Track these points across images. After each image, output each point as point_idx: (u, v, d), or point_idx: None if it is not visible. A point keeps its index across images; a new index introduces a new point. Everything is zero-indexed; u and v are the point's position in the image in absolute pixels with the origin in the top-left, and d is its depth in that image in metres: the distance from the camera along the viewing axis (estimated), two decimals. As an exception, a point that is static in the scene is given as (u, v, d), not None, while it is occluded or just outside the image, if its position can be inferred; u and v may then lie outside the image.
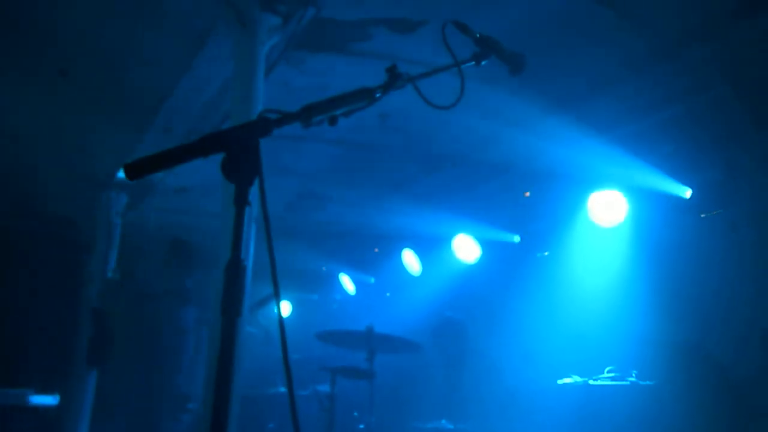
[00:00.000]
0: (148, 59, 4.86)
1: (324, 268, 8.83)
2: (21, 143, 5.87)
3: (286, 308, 6.66)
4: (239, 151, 1.45)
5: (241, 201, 1.45)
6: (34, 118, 5.55)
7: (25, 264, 6.66)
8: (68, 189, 6.84)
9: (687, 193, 4.74)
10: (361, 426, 4.94)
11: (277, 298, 1.46)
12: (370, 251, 8.70)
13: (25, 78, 5.08)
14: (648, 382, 4.34)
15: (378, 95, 1.79)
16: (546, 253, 6.32)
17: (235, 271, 1.41)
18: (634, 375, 4.43)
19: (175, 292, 4.20)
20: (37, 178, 6.46)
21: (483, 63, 2.04)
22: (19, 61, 4.90)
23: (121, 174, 7.29)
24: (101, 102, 5.37)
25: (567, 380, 4.66)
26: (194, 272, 4.32)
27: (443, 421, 4.92)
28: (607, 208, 5.31)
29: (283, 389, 6.05)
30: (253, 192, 1.49)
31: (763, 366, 4.06)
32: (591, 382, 4.50)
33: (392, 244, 7.99)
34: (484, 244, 6.75)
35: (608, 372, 4.54)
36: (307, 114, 1.66)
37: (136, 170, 1.38)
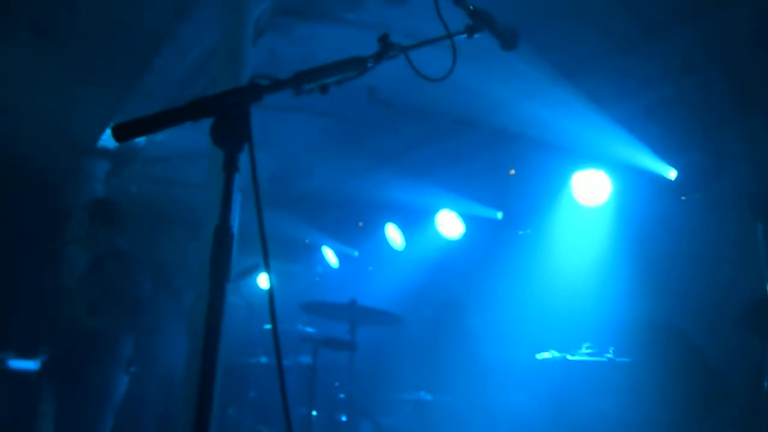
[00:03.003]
0: (131, 23, 4.76)
1: (307, 240, 8.81)
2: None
3: (267, 280, 6.66)
4: (229, 116, 1.43)
5: (230, 167, 1.44)
6: (14, 83, 5.42)
7: (6, 227, 6.58)
8: (49, 154, 6.73)
9: (672, 174, 4.78)
10: (342, 396, 5.00)
11: (266, 265, 1.45)
12: (353, 225, 8.71)
13: (3, 41, 4.96)
14: (625, 359, 4.42)
15: (370, 65, 1.77)
16: (528, 231, 6.37)
17: (223, 237, 1.41)
18: (611, 352, 4.51)
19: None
20: (18, 143, 6.34)
21: (475, 36, 2.03)
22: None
23: (102, 141, 7.19)
24: (83, 66, 5.27)
25: (545, 355, 4.73)
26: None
27: (422, 393, 4.99)
28: (591, 188, 5.35)
29: (264, 359, 6.08)
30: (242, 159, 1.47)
31: (735, 348, 4.15)
32: (569, 357, 4.58)
33: (376, 217, 8.00)
34: (468, 220, 6.77)
35: (586, 348, 4.62)
36: (298, 81, 1.65)
37: (124, 132, 1.36)
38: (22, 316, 5.73)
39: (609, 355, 4.49)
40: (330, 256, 8.72)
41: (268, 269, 1.44)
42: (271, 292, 1.48)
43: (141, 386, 4.66)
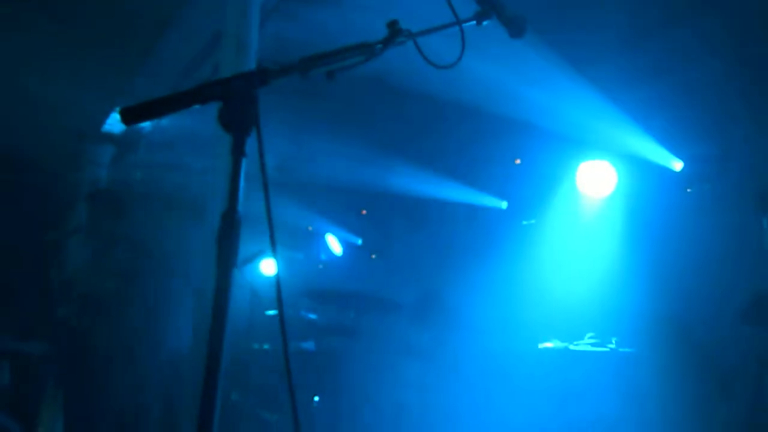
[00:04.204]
0: (136, 7, 4.74)
1: (310, 227, 8.81)
2: (1, 91, 5.74)
3: (271, 267, 6.66)
4: (237, 100, 1.42)
5: (238, 151, 1.43)
6: (18, 69, 5.41)
7: (10, 214, 6.59)
8: (53, 140, 6.73)
9: (678, 165, 4.76)
10: (344, 382, 5.02)
11: (274, 252, 1.45)
12: (357, 212, 8.70)
13: (8, 24, 4.94)
14: (627, 350, 4.43)
15: (378, 50, 1.76)
16: (533, 221, 6.36)
17: (230, 223, 1.40)
18: (614, 342, 4.52)
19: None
20: (21, 128, 6.33)
21: (484, 23, 2.01)
22: (2, 6, 4.76)
23: (107, 126, 7.18)
24: (88, 52, 5.25)
25: (548, 344, 4.74)
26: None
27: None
28: (596, 179, 5.33)
29: (267, 345, 6.10)
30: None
31: (735, 341, 4.15)
32: (571, 347, 4.58)
33: (380, 205, 7.99)
34: (472, 208, 6.76)
35: (589, 338, 4.63)
36: (305, 66, 1.63)
37: (131, 115, 1.35)
38: (23, 305, 5.75)
39: (612, 345, 4.50)
40: (333, 243, 8.69)
41: (275, 255, 1.44)
42: (278, 279, 1.48)
43: (143, 371, 4.69)
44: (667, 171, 4.83)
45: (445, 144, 6.96)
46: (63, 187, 7.14)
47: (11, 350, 4.86)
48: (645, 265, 4.89)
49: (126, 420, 4.49)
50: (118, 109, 6.03)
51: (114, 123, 7.10)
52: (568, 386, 4.40)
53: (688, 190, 4.81)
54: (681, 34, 4.47)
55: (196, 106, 1.45)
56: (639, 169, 4.99)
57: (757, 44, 4.26)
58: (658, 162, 4.81)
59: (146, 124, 6.89)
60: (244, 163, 1.46)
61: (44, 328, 4.79)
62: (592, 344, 4.54)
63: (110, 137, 7.40)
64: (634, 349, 4.39)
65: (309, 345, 5.08)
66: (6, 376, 4.85)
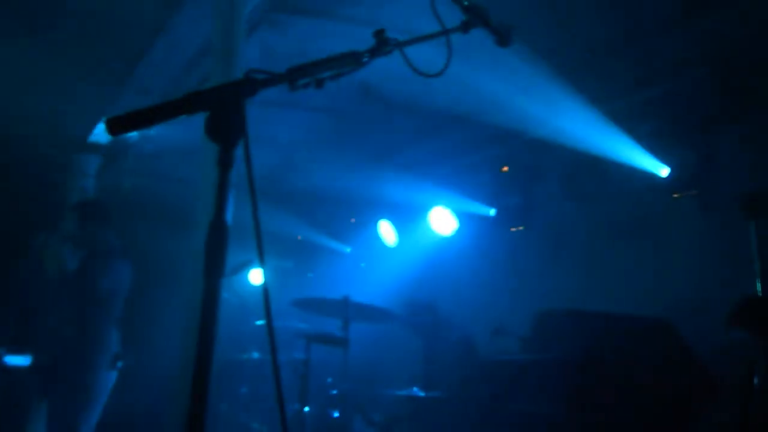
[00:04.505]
0: (123, 17, 4.73)
1: (299, 237, 8.78)
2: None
3: (259, 276, 6.64)
4: (224, 110, 1.42)
5: (225, 162, 1.43)
6: (4, 79, 5.38)
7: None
8: (41, 151, 6.70)
9: (664, 171, 4.80)
10: (334, 392, 5.00)
11: (261, 263, 1.44)
12: (346, 221, 8.69)
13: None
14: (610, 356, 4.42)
15: (365, 60, 1.77)
16: (521, 228, 6.38)
17: (218, 233, 1.40)
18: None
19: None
20: (9, 139, 6.29)
21: (470, 32, 2.03)
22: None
23: (94, 136, 7.15)
24: (74, 61, 5.23)
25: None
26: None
27: (415, 389, 4.99)
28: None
29: (256, 355, 6.07)
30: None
31: (725, 346, 4.16)
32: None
33: (369, 214, 7.98)
34: (461, 216, 6.78)
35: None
36: (293, 76, 1.64)
37: (118, 125, 1.35)
38: (13, 313, 5.71)
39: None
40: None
41: (263, 265, 1.44)
42: (265, 288, 1.48)
43: (131, 381, 4.65)
44: (653, 177, 4.86)
45: (433, 152, 6.99)
46: (52, 195, 7.10)
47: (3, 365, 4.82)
48: (631, 271, 4.93)
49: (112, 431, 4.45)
50: (104, 119, 6.02)
51: (101, 133, 7.08)
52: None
53: (675, 195, 4.85)
54: (661, 44, 4.52)
55: (184, 116, 1.45)
56: (626, 172, 5.01)
57: (739, 50, 4.31)
58: (644, 167, 4.84)
59: (134, 134, 6.87)
60: (232, 173, 1.46)
61: (32, 337, 4.75)
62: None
63: (97, 147, 7.38)
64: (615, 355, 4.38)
65: (299, 354, 5.06)
66: None
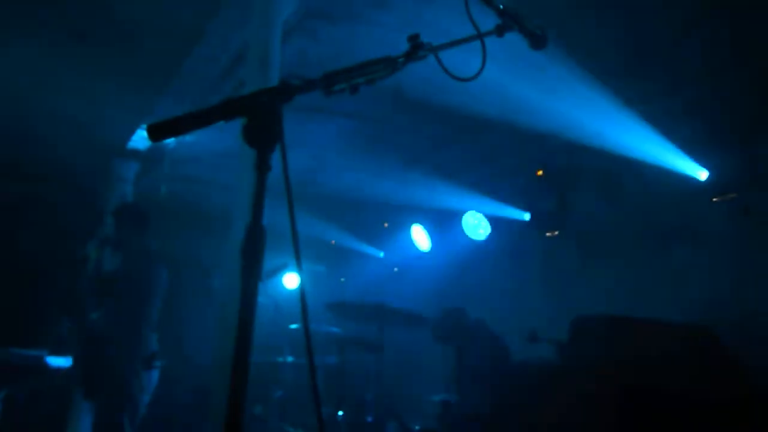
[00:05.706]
0: (162, 25, 4.83)
1: (333, 242, 8.83)
2: (32, 108, 5.88)
3: (294, 280, 6.68)
4: (261, 116, 1.44)
5: (262, 167, 1.45)
6: (47, 87, 5.54)
7: (43, 229, 6.76)
8: (82, 156, 6.87)
9: (702, 174, 4.70)
10: (369, 397, 5.00)
11: (298, 266, 1.46)
12: (379, 225, 8.70)
13: (38, 42, 5.07)
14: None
15: (400, 64, 1.77)
16: (556, 233, 6.31)
17: (255, 236, 1.41)
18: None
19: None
20: (50, 146, 6.48)
21: (505, 36, 2.01)
22: (34, 26, 4.88)
23: (133, 142, 7.32)
24: (116, 69, 5.36)
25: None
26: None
27: (448, 395, 4.96)
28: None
29: (290, 358, 6.11)
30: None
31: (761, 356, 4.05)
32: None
33: (402, 218, 7.98)
34: (494, 221, 6.73)
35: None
36: (328, 81, 1.65)
37: (159, 131, 1.38)
38: (55, 315, 5.86)
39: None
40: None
41: (300, 269, 1.45)
42: (302, 292, 1.49)
43: (171, 381, 4.74)
44: (692, 179, 4.76)
45: (467, 156, 6.95)
46: (92, 201, 7.29)
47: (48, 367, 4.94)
48: (668, 275, 4.83)
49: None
50: (144, 125, 6.15)
51: (139, 139, 7.24)
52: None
53: (714, 199, 4.74)
54: (701, 46, 4.43)
55: (221, 122, 1.47)
56: (665, 176, 4.92)
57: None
58: (682, 171, 4.75)
59: (171, 140, 7.00)
60: (268, 177, 1.48)
61: (73, 339, 4.87)
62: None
63: (136, 153, 7.55)
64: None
65: (332, 359, 5.08)
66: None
